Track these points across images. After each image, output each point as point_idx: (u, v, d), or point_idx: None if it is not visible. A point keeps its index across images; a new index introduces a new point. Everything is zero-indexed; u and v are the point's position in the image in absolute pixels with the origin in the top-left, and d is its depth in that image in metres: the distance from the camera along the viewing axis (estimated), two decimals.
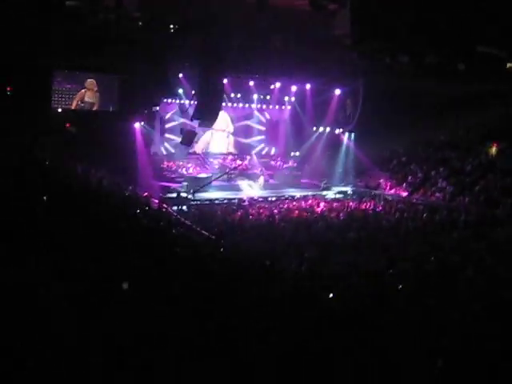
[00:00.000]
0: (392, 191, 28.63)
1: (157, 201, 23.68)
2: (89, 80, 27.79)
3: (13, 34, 21.07)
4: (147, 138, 28.96)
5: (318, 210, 25.36)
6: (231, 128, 34.33)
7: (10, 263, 5.31)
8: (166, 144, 31.79)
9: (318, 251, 17.09)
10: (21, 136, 22.17)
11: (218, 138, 33.89)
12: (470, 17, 10.84)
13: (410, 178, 29.18)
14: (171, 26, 23.36)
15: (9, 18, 20.38)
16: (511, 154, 27.27)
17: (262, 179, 30.88)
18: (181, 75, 27.99)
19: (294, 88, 33.12)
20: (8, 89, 25.13)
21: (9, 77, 24.25)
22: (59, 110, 27.10)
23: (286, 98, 34.32)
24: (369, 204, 26.63)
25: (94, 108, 28.23)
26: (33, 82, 24.52)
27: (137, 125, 27.97)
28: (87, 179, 20.42)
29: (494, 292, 12.17)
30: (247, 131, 35.07)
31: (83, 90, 27.79)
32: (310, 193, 29.80)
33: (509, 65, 17.54)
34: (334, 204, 27.18)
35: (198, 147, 32.81)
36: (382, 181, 29.64)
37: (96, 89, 28.00)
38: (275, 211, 24.67)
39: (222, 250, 14.26)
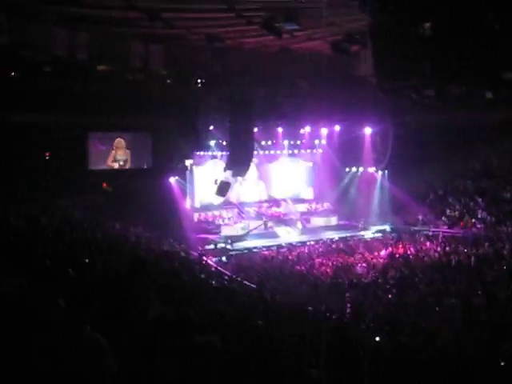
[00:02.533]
0: (431, 226, 28.21)
1: (196, 253, 23.81)
2: (117, 139, 28.46)
3: (43, 100, 21.85)
4: (182, 191, 29.34)
5: (358, 251, 25.16)
6: (260, 175, 34.37)
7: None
8: (201, 196, 31.99)
9: (360, 293, 16.88)
10: (61, 198, 22.78)
11: (248, 186, 33.87)
12: (492, 44, 10.85)
13: (448, 211, 28.76)
14: (198, 81, 23.86)
15: (40, 84, 21.18)
16: None
17: (299, 224, 30.82)
18: (211, 127, 28.46)
19: (324, 131, 33.27)
20: (46, 154, 25.93)
21: (46, 142, 25.05)
22: (96, 171, 27.70)
23: (317, 142, 34.41)
24: (408, 241, 26.29)
25: (127, 165, 28.77)
26: (70, 145, 25.28)
27: (171, 179, 28.41)
28: (125, 237, 20.71)
29: None
30: (281, 177, 35.11)
31: (113, 150, 28.42)
32: (348, 234, 29.60)
33: None
34: (374, 243, 26.94)
35: (231, 197, 32.92)
36: (420, 216, 29.26)
37: (125, 146, 28.62)
38: (314, 255, 24.56)
39: (264, 299, 14.18)
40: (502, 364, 8.84)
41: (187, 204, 30.18)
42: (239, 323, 8.78)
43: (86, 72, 20.50)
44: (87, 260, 12.54)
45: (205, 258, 23.33)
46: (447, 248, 23.45)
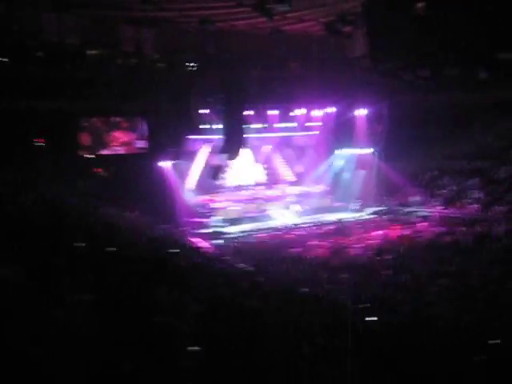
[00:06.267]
0: (426, 206, 28.24)
1: (191, 238, 23.81)
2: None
3: (34, 86, 21.57)
4: (177, 175, 29.22)
5: (353, 232, 25.17)
6: (254, 158, 34.30)
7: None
8: (196, 179, 31.91)
9: (355, 274, 16.90)
10: (53, 184, 22.62)
11: (244, 169, 33.82)
12: (487, 23, 10.78)
13: (443, 191, 28.81)
14: (191, 64, 23.69)
15: (31, 70, 20.91)
16: None
17: (294, 206, 30.79)
18: (205, 111, 28.25)
19: (318, 113, 33.13)
20: (39, 140, 25.68)
21: (37, 129, 24.78)
22: (90, 156, 27.47)
23: (311, 124, 34.27)
24: (403, 221, 26.33)
25: (123, 150, 28.51)
26: (61, 130, 25.04)
27: (166, 163, 28.27)
28: (118, 222, 20.62)
29: None
30: (275, 160, 35.05)
31: (111, 133, 28.16)
32: (343, 216, 29.60)
33: None
34: (369, 225, 26.95)
35: (227, 180, 32.82)
36: (415, 197, 29.28)
37: (124, 131, 28.35)
38: (309, 237, 24.56)
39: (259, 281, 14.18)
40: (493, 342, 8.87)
41: (181, 188, 30.06)
42: (235, 305, 8.81)
43: (77, 57, 20.31)
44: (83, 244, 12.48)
45: (195, 239, 23.37)
46: (442, 228, 23.48)
